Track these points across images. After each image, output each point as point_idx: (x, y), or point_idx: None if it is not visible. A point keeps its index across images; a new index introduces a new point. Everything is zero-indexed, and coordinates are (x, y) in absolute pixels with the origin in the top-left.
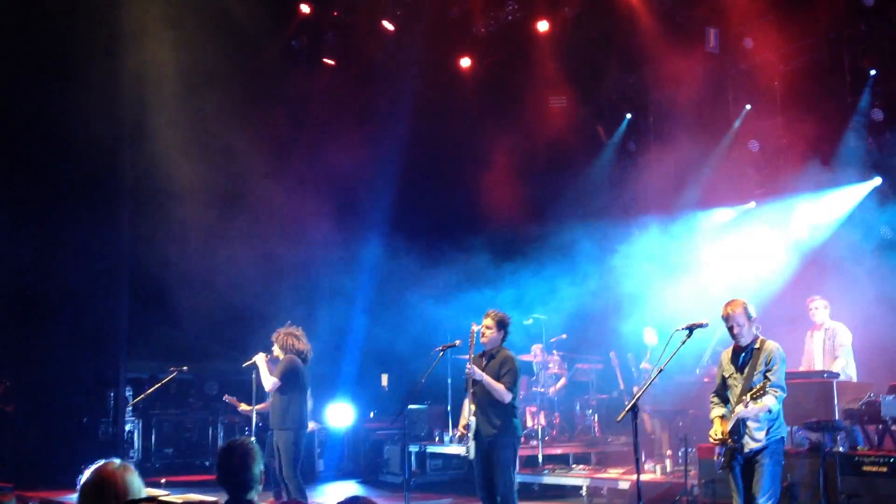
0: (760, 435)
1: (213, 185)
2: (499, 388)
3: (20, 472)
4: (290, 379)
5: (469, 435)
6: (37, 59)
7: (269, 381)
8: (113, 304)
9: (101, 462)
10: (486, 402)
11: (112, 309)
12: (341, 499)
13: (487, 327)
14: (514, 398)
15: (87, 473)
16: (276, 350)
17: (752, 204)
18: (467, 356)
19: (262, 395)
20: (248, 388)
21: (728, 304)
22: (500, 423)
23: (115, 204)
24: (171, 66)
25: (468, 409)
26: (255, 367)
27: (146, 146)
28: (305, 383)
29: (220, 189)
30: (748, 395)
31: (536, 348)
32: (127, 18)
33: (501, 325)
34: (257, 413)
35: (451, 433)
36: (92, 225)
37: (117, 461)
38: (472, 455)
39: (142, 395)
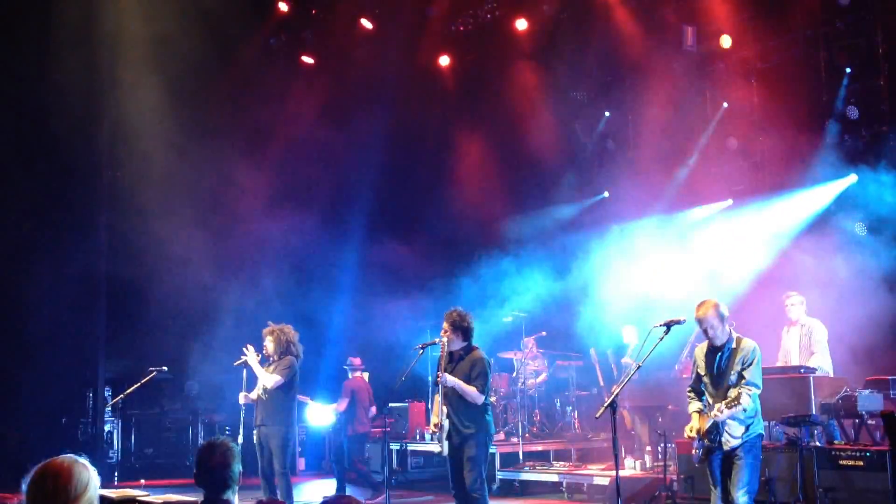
0: (739, 432)
1: (189, 185)
2: (471, 391)
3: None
4: (292, 378)
5: (442, 434)
6: (13, 58)
7: (270, 379)
8: (91, 304)
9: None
10: (458, 402)
11: (90, 309)
12: (326, 496)
13: (444, 331)
14: (486, 397)
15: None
16: (269, 345)
17: (730, 201)
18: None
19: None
20: (227, 387)
21: (699, 306)
22: (472, 423)
23: (93, 205)
24: (149, 65)
25: (440, 409)
26: (245, 365)
27: (122, 149)
28: (298, 384)
29: (197, 189)
30: (723, 402)
31: (529, 341)
32: (104, 20)
33: (456, 326)
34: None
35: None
36: (69, 226)
37: (70, 456)
38: (445, 452)
39: (121, 395)
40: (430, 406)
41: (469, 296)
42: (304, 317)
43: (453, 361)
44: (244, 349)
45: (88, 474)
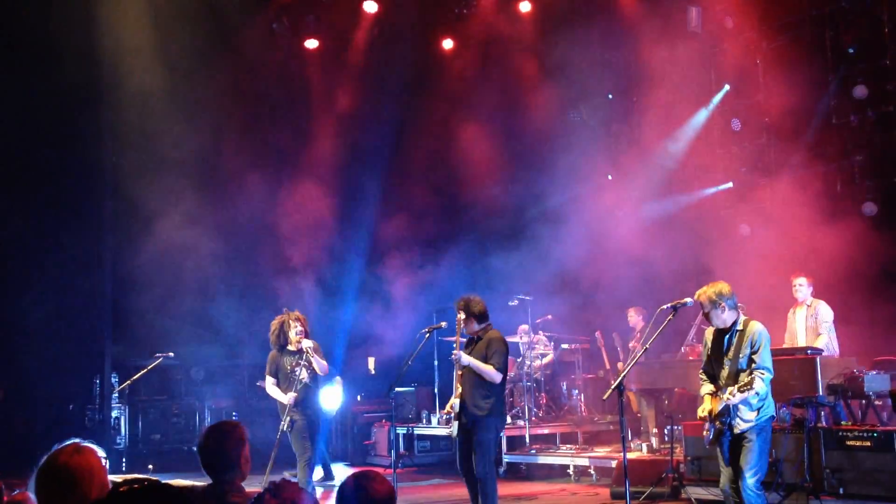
0: (751, 416)
1: (191, 171)
2: (488, 369)
3: (6, 460)
4: None
5: (454, 415)
6: (11, 45)
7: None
8: (97, 290)
9: (58, 446)
10: (473, 383)
11: (96, 295)
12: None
13: (460, 318)
14: (503, 378)
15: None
16: (302, 332)
17: (730, 184)
18: (453, 339)
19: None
20: (233, 373)
21: (699, 290)
22: (486, 404)
23: (97, 192)
24: (151, 50)
25: (455, 388)
26: (300, 354)
27: (123, 136)
28: None
29: (200, 175)
30: (736, 387)
31: (522, 329)
32: (105, 3)
33: (469, 311)
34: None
35: (438, 414)
36: (74, 213)
37: (74, 444)
38: (454, 434)
39: (128, 381)
40: (436, 390)
41: (474, 279)
42: (310, 305)
43: (471, 344)
44: (300, 341)
45: (97, 459)
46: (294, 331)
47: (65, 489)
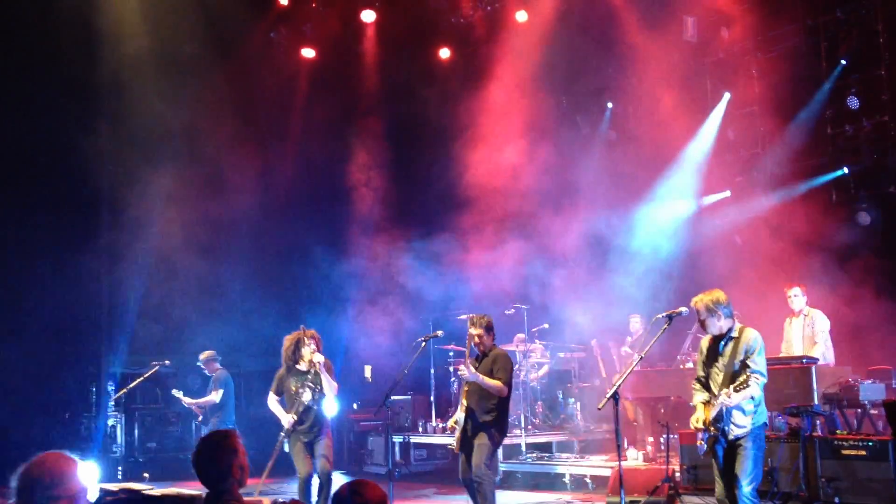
0: (744, 421)
1: (189, 180)
2: (494, 384)
3: (2, 469)
4: None
5: (458, 430)
6: (13, 52)
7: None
8: (93, 299)
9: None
10: (478, 397)
11: (92, 303)
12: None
13: (479, 335)
14: (508, 393)
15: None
16: (315, 350)
17: (728, 192)
18: (449, 347)
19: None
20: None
21: (695, 297)
22: (490, 416)
23: (94, 202)
24: (149, 59)
25: (461, 403)
26: (310, 374)
27: (122, 145)
28: None
29: (197, 183)
30: (731, 386)
31: (518, 338)
32: (104, 14)
33: (489, 328)
34: (199, 407)
35: (434, 423)
36: (71, 222)
37: (59, 452)
38: (457, 447)
39: (124, 390)
40: (433, 399)
41: (471, 288)
42: (305, 314)
43: (477, 361)
44: (312, 361)
45: (71, 467)
46: (308, 348)
47: (48, 484)
